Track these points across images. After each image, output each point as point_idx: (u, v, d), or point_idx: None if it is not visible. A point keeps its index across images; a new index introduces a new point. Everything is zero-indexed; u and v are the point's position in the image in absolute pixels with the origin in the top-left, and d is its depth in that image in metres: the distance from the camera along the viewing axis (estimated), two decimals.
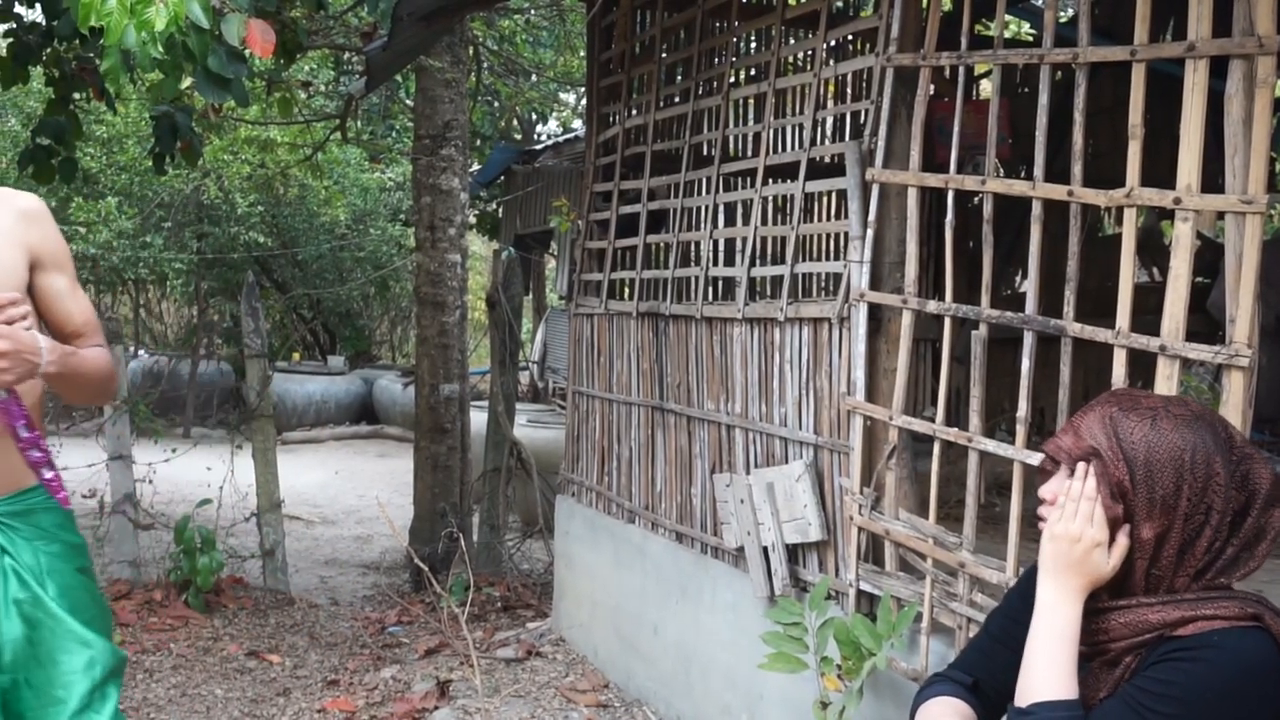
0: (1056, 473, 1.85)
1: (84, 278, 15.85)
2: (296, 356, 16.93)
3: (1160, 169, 2.77)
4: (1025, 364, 2.87)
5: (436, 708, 4.64)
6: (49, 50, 5.67)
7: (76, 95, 5.96)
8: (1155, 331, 2.53)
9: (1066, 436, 1.83)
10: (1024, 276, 6.49)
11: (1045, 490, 1.86)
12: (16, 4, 5.76)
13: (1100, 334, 2.68)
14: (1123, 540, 1.76)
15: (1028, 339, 2.88)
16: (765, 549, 3.86)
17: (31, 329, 2.09)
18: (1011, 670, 1.84)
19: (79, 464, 7.08)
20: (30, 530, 2.21)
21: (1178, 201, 2.49)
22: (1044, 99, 2.89)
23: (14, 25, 5.67)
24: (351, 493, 11.29)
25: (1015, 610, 1.96)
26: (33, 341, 2.08)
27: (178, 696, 4.95)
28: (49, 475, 2.16)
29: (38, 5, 5.63)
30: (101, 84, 5.48)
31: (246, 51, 3.92)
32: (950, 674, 2.01)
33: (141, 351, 16.68)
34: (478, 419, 8.18)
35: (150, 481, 7.17)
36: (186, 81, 4.62)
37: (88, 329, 2.37)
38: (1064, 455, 1.82)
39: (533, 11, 11.77)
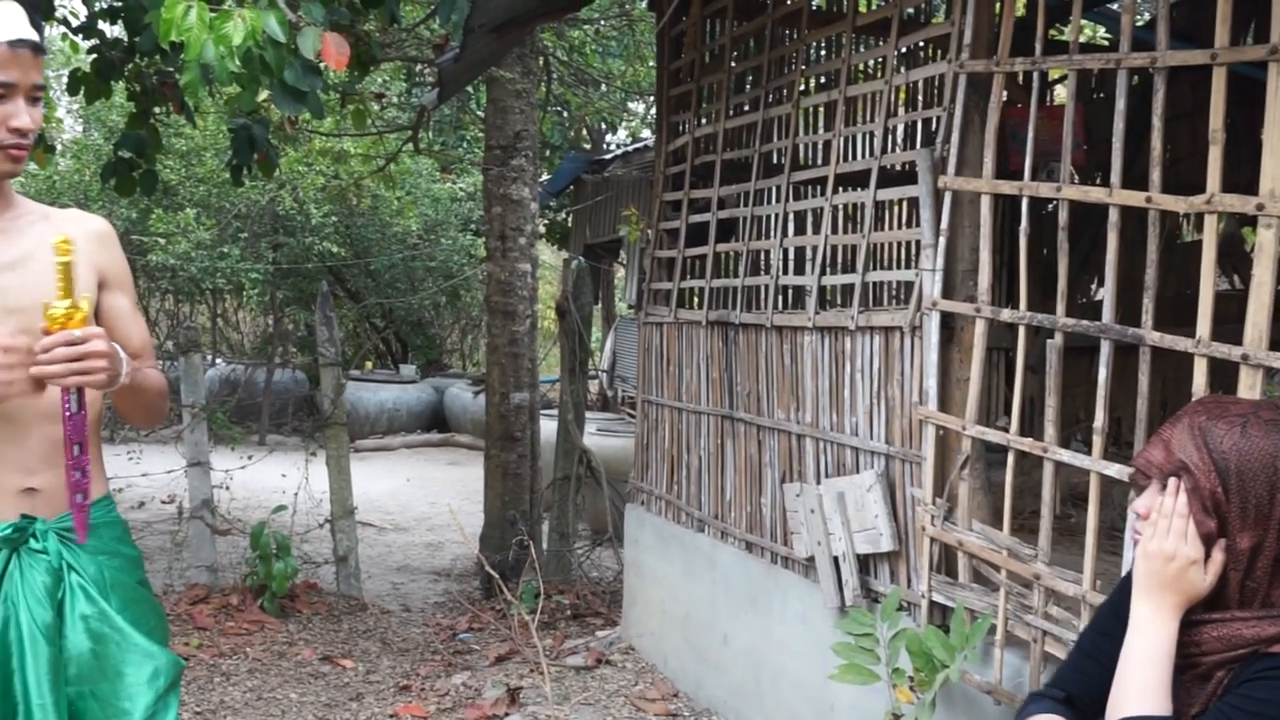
0: (1149, 487, 1.82)
1: (163, 287, 16.22)
2: (369, 365, 17.14)
3: (1241, 174, 2.72)
4: (1102, 373, 2.83)
5: (507, 714, 4.66)
6: (131, 66, 5.80)
7: (157, 109, 6.09)
8: (1237, 340, 2.48)
9: (1156, 450, 1.79)
10: (1099, 284, 6.40)
11: (1139, 505, 1.83)
12: (100, 21, 5.90)
13: (1180, 343, 2.63)
14: (1218, 556, 1.72)
15: (1105, 348, 2.84)
16: (836, 559, 3.83)
17: (106, 338, 2.14)
18: (1105, 686, 1.81)
19: (159, 470, 7.24)
20: (93, 543, 2.24)
21: (1260, 208, 2.44)
22: (1121, 104, 2.84)
23: (98, 42, 5.81)
24: (423, 500, 11.39)
25: (1107, 624, 1.92)
26: (118, 349, 2.13)
27: (253, 700, 5.03)
28: (79, 500, 2.19)
29: (120, 22, 5.76)
30: (181, 98, 5.59)
31: (321, 65, 3.99)
32: (1046, 692, 1.98)
33: (219, 360, 16.98)
34: (547, 427, 8.22)
35: (227, 488, 7.30)
36: (263, 95, 4.70)
37: (145, 351, 2.43)
38: (1154, 470, 1.79)
39: (602, 22, 11.81)
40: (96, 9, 5.83)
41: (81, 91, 5.79)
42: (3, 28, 2.09)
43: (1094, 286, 6.61)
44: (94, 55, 5.80)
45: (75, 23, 6.09)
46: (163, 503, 8.90)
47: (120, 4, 5.58)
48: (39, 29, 2.23)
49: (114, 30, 6.11)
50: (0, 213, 2.23)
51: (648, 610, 5.43)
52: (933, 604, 3.42)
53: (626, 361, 12.95)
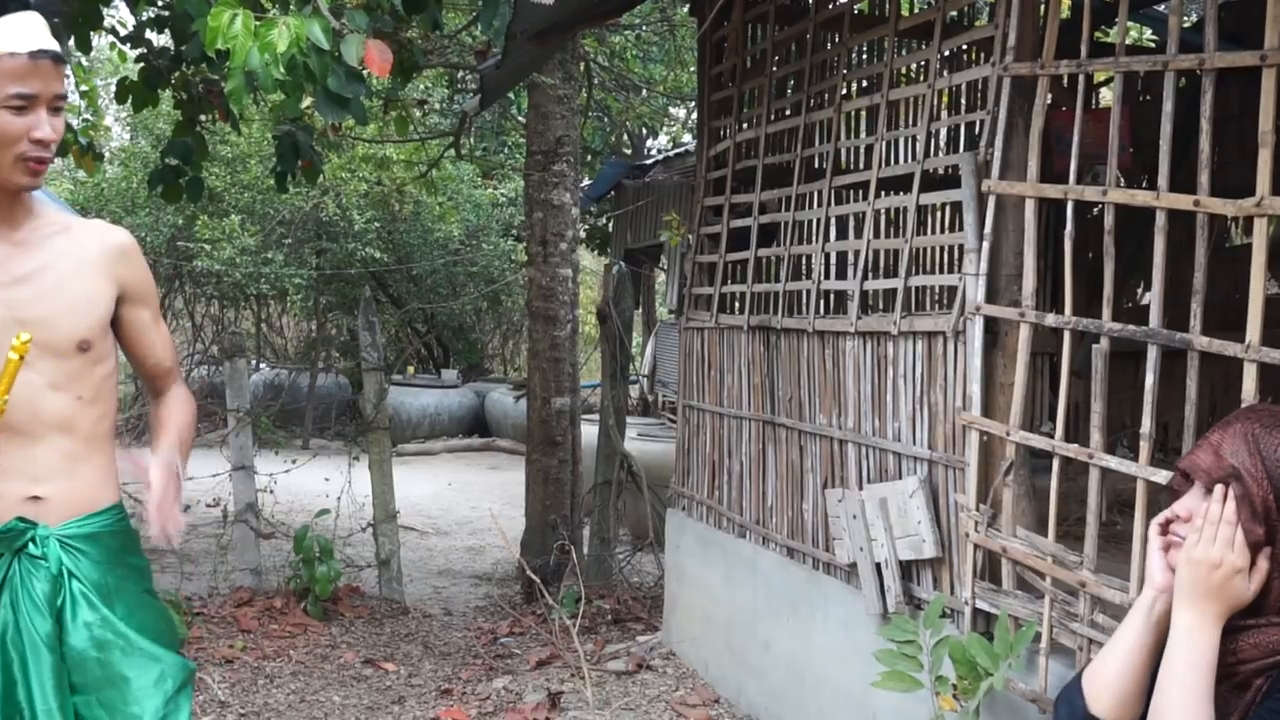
0: (1189, 490, 1.79)
1: (208, 293, 16.38)
2: (411, 370, 17.22)
3: None
4: (1149, 378, 2.80)
5: (548, 718, 4.67)
6: (178, 74, 5.87)
7: (203, 117, 6.16)
8: None
9: (1205, 454, 1.77)
10: (1145, 288, 6.33)
11: (1180, 508, 1.81)
12: (148, 30, 5.98)
13: (1230, 348, 2.59)
14: (1263, 564, 1.70)
15: (1152, 353, 2.80)
16: (878, 565, 3.81)
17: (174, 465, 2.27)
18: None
19: (204, 474, 7.31)
20: (98, 553, 2.25)
21: None
22: (1168, 106, 2.81)
23: (145, 51, 5.89)
24: (464, 504, 11.44)
25: None
26: (172, 489, 2.27)
27: (296, 702, 5.06)
28: None
29: (167, 31, 5.84)
30: (227, 105, 5.65)
31: (365, 71, 4.02)
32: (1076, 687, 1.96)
33: (263, 365, 17.14)
34: (588, 432, 8.22)
35: (271, 491, 7.36)
36: (307, 101, 4.75)
37: (167, 360, 2.46)
38: (1201, 474, 1.76)
39: (644, 27, 11.83)
40: (144, 18, 5.91)
41: (129, 100, 5.86)
42: (24, 39, 2.10)
43: (1140, 290, 6.54)
44: (141, 64, 5.87)
45: (123, 32, 6.17)
46: (208, 506, 8.98)
47: (167, 13, 5.65)
48: (60, 38, 2.25)
49: (161, 39, 6.19)
50: (21, 224, 2.23)
51: (689, 616, 5.42)
52: (976, 611, 3.39)
53: (667, 366, 12.94)
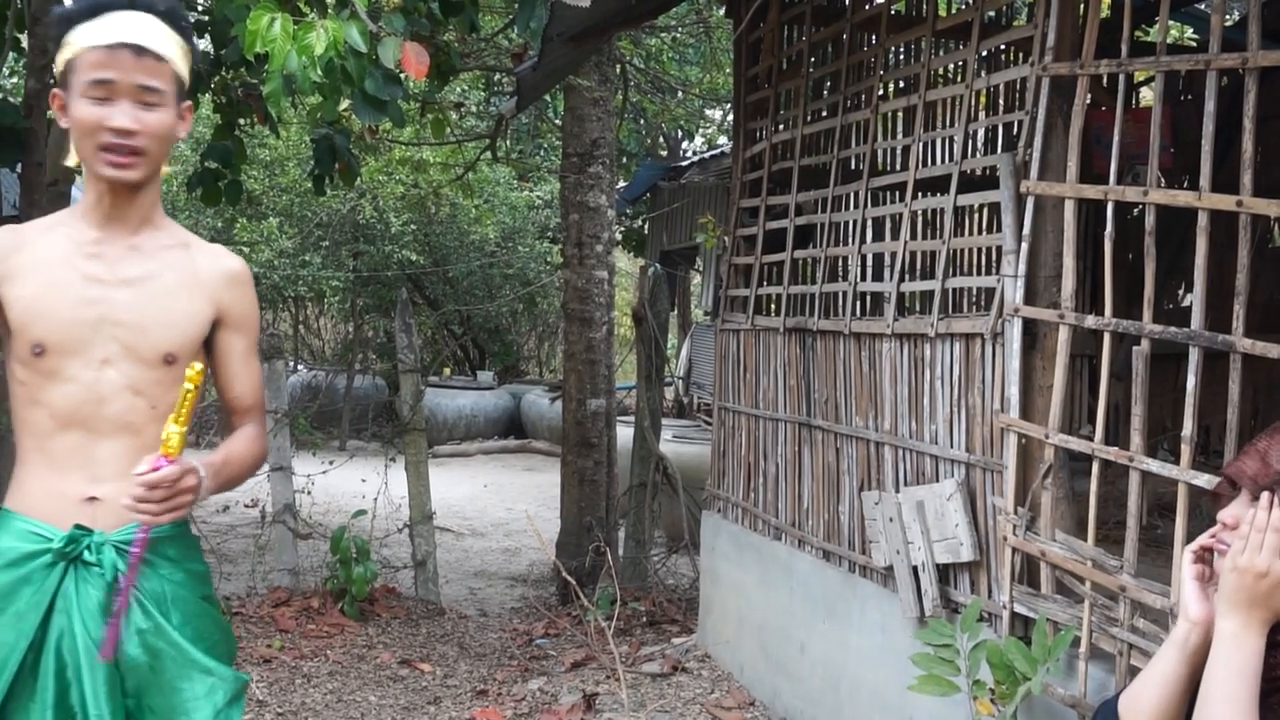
0: (1235, 497, 1.77)
1: None
2: (447, 371, 17.29)
3: None
4: (1191, 381, 2.77)
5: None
6: (217, 79, 5.92)
7: (242, 120, 6.20)
8: None
9: (1251, 460, 1.74)
10: (1186, 290, 6.27)
11: (1226, 515, 1.78)
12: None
13: (1273, 350, 2.56)
14: None
15: (1193, 355, 2.77)
16: (915, 568, 3.79)
17: (195, 472, 2.12)
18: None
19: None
20: (154, 558, 2.24)
21: None
22: (1210, 106, 2.78)
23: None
24: (500, 506, 11.47)
25: None
26: (202, 474, 2.13)
27: (333, 702, 5.09)
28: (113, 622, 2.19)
29: (207, 35, 5.88)
30: (265, 109, 5.69)
31: (402, 74, 4.04)
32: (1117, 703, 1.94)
33: (301, 366, 17.24)
34: (624, 434, 8.23)
35: (309, 492, 7.40)
36: (344, 104, 4.77)
37: (249, 397, 2.42)
38: (1248, 481, 1.74)
39: (680, 29, 11.83)
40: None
41: None
42: (109, 32, 2.13)
43: (1181, 292, 6.47)
44: None
45: None
46: (246, 507, 9.04)
47: (207, 18, 5.70)
48: (187, 38, 2.25)
49: (201, 44, 6.24)
50: (138, 230, 2.26)
51: (724, 618, 5.41)
52: (1014, 615, 3.37)
53: (703, 368, 12.92)
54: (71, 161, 2.27)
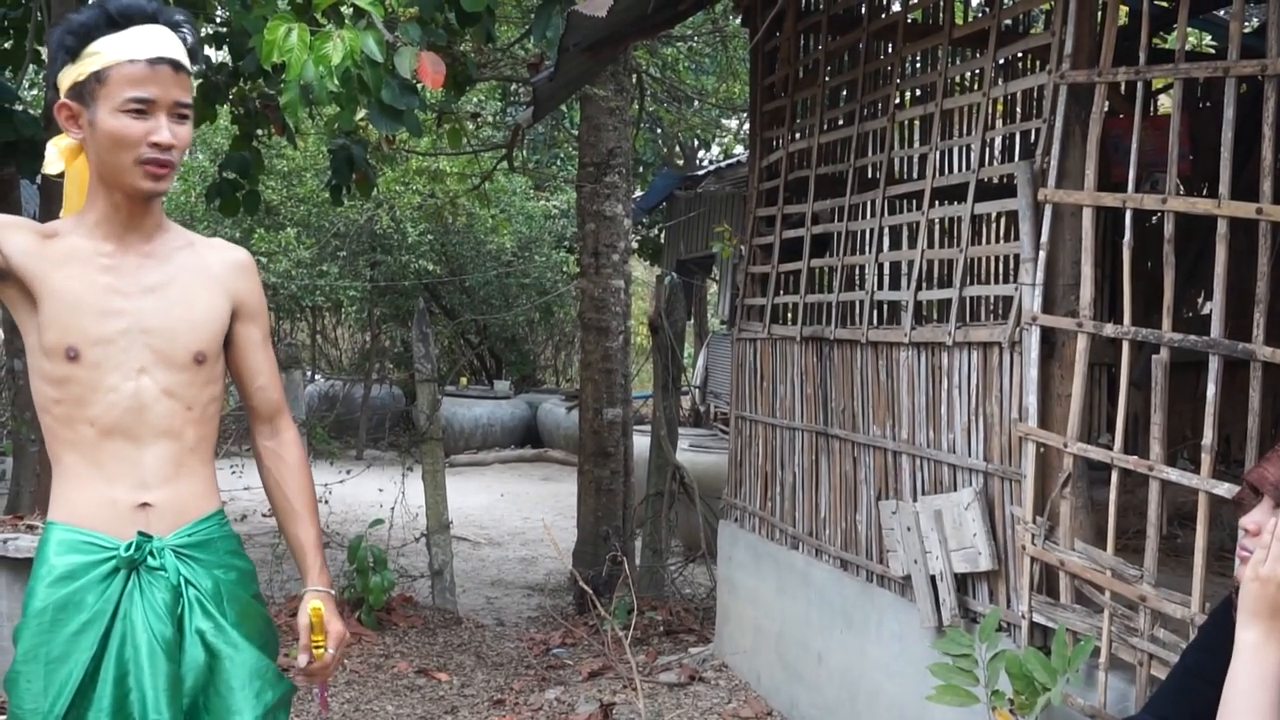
0: (1258, 504, 1.75)
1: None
2: (464, 381, 17.32)
3: None
4: (1210, 389, 2.75)
5: None
6: (235, 89, 5.95)
7: (259, 131, 6.24)
8: None
9: (1273, 467, 1.73)
10: (1206, 298, 6.23)
11: (1248, 521, 1.77)
12: (205, 46, 6.06)
13: None
14: None
15: (1213, 363, 2.76)
16: (933, 578, 3.77)
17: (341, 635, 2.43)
18: (1211, 708, 1.74)
19: (259, 484, 7.39)
20: (209, 558, 2.29)
21: None
22: (1229, 113, 2.77)
23: (203, 67, 5.97)
24: (516, 515, 11.47)
25: (1212, 643, 1.86)
26: (340, 631, 2.42)
27: (351, 711, 5.09)
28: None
29: (225, 47, 5.92)
30: (283, 119, 5.72)
31: (418, 84, 4.05)
32: (1141, 717, 1.92)
33: (318, 376, 17.30)
34: (640, 443, 8.23)
35: (326, 501, 7.41)
36: (361, 114, 4.79)
37: (272, 389, 2.46)
38: (1270, 488, 1.72)
39: (695, 39, 11.84)
40: (202, 35, 5.99)
41: None
42: (145, 46, 2.15)
43: (1200, 300, 6.44)
44: (200, 79, 5.96)
45: None
46: (264, 516, 9.05)
47: (225, 29, 5.73)
48: (197, 52, 2.29)
49: (219, 55, 6.28)
50: (152, 236, 2.29)
51: (741, 627, 5.40)
52: (1033, 625, 3.35)
53: (719, 377, 12.92)
54: (53, 170, 2.30)
